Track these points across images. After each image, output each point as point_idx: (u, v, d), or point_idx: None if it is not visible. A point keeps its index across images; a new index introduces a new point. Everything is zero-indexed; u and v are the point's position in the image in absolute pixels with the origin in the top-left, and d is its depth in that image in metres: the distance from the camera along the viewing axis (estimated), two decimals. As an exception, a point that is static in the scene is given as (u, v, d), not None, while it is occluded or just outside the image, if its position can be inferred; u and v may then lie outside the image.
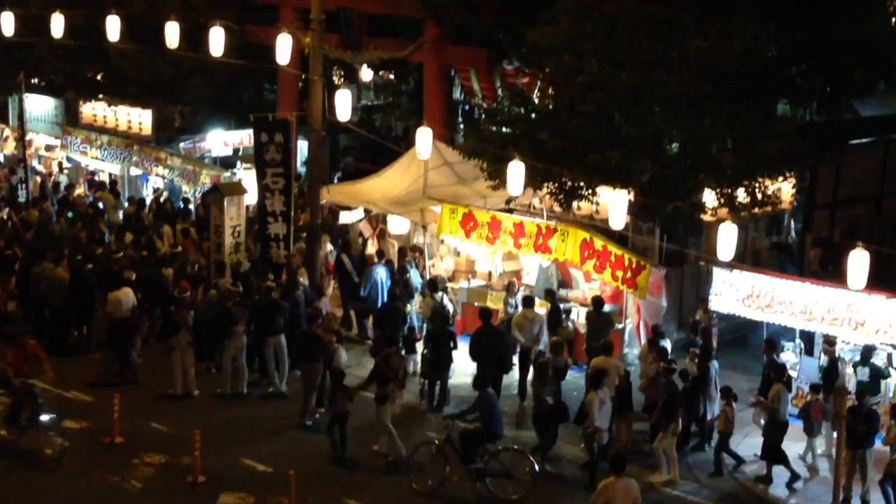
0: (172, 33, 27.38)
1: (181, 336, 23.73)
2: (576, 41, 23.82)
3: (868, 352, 21.38)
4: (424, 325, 25.84)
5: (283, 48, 25.96)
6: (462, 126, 35.83)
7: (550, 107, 25.36)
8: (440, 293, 25.73)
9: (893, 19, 28.72)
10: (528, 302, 24.64)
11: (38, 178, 38.05)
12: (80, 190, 37.28)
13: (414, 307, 26.69)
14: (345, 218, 31.33)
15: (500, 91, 32.37)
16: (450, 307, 25.95)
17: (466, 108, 36.59)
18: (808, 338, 23.57)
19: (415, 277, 27.16)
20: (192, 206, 33.70)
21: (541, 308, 25.11)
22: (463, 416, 20.00)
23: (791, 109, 29.30)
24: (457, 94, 35.98)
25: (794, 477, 20.29)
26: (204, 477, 19.72)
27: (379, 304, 26.38)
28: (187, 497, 19.34)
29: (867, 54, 26.27)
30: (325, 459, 20.75)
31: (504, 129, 25.77)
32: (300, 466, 19.36)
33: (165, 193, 36.02)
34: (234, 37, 29.97)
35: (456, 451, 19.65)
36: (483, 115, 27.66)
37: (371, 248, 29.24)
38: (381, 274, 26.87)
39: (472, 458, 19.57)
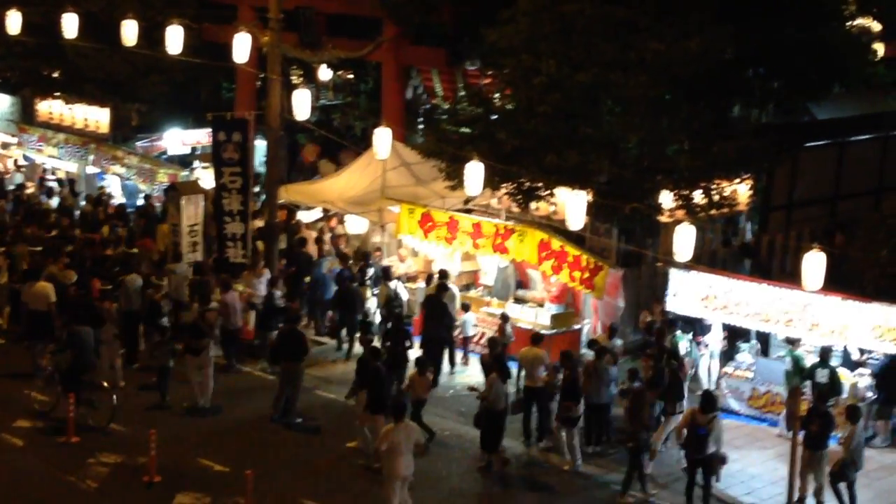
0: (130, 31, 27.21)
1: (107, 328, 23.77)
2: (534, 41, 23.87)
3: (826, 353, 21.54)
4: (377, 312, 26.37)
5: (241, 47, 25.88)
6: (422, 126, 35.83)
7: (509, 107, 25.39)
8: (394, 282, 26.22)
9: (849, 23, 28.90)
10: (443, 275, 25.77)
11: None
12: (31, 189, 37.06)
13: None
14: (303, 218, 31.30)
15: (461, 91, 32.39)
16: (404, 296, 26.36)
17: (427, 108, 36.63)
18: (763, 339, 23.75)
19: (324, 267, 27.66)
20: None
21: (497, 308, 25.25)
22: (60, 351, 22.34)
23: (747, 111, 29.46)
24: (411, 94, 36.00)
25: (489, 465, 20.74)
26: (160, 477, 19.61)
27: (326, 296, 27.12)
28: (143, 497, 19.22)
29: (823, 57, 26.44)
30: (284, 460, 20.72)
31: (463, 129, 25.80)
32: (257, 466, 19.28)
33: (108, 191, 35.81)
34: (192, 35, 29.82)
35: (59, 379, 22.09)
36: (445, 115, 27.66)
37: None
38: (325, 267, 27.36)
39: (69, 387, 21.65)
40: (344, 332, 26.58)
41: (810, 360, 21.98)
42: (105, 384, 22.21)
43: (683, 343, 23.19)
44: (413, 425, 18.62)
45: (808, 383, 21.36)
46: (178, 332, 23.90)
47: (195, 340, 22.89)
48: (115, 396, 21.69)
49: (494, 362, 21.83)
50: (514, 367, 22.50)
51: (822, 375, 21.39)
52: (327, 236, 30.22)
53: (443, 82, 33.92)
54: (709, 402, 19.33)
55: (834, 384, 21.33)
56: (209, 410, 22.87)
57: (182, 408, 22.90)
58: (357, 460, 20.71)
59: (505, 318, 24.80)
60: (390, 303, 25.72)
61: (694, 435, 19.04)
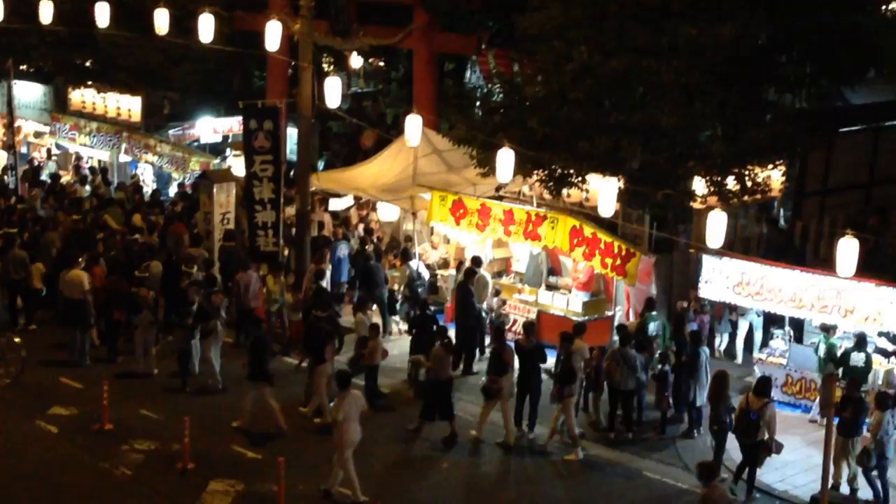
0: (162, 20, 27.29)
1: (143, 315, 24.04)
2: (566, 28, 23.77)
3: (862, 338, 21.44)
4: (402, 290, 26.88)
5: (273, 35, 25.90)
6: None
7: (540, 94, 25.29)
8: (414, 261, 26.80)
9: (883, 7, 28.70)
10: (476, 262, 25.80)
11: (34, 165, 38.10)
12: (67, 177, 37.24)
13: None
14: (334, 205, 31.36)
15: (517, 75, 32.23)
16: (425, 274, 27.05)
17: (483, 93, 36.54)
18: (797, 325, 23.65)
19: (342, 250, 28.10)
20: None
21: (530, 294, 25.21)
22: None
23: (781, 97, 29.30)
24: (473, 78, 35.95)
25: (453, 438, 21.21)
26: (193, 464, 19.73)
27: (341, 279, 27.73)
28: (177, 484, 19.31)
29: (857, 42, 26.26)
30: (316, 447, 20.74)
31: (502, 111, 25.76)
32: (290, 453, 19.33)
33: (143, 179, 35.95)
34: (224, 23, 29.87)
35: None
36: (501, 97, 27.56)
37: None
38: (342, 250, 27.81)
39: None
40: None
41: (845, 347, 21.93)
42: (16, 339, 24.28)
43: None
44: (358, 394, 19.05)
45: (840, 369, 21.32)
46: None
47: (204, 323, 23.35)
48: (23, 350, 23.50)
49: (439, 336, 22.31)
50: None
51: (856, 360, 21.34)
52: (362, 224, 30.31)
53: (500, 66, 33.64)
54: (763, 387, 19.38)
55: (868, 368, 21.26)
56: (219, 390, 23.44)
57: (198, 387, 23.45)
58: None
59: (502, 301, 25.67)
60: (412, 283, 26.30)
61: (746, 419, 19.12)
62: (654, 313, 23.39)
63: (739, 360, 24.79)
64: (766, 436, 19.12)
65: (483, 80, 35.37)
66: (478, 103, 27.22)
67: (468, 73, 37.60)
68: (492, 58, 33.80)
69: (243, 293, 25.59)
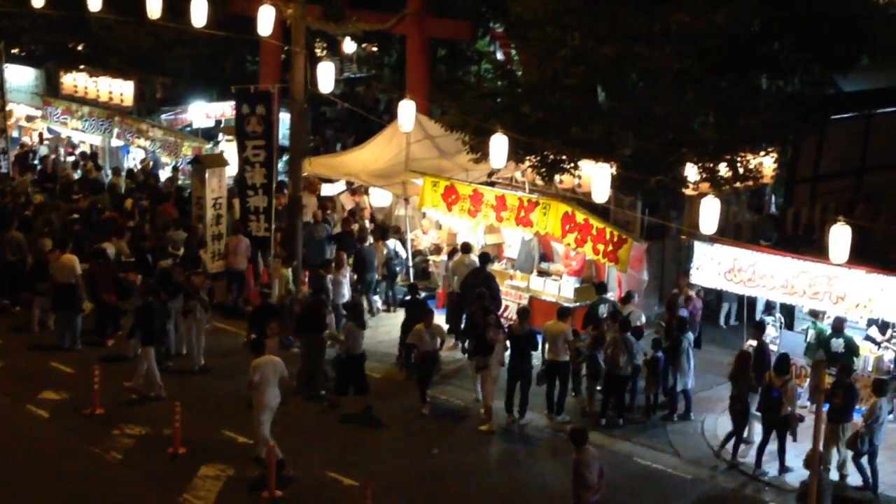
0: (154, 4, 27.16)
1: (132, 301, 24.16)
2: (559, 14, 23.78)
3: (840, 323, 21.51)
4: (380, 269, 27.29)
5: (266, 19, 25.79)
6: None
7: (533, 79, 25.30)
8: (392, 241, 27.20)
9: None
10: (466, 248, 25.92)
11: (25, 149, 38.07)
12: (62, 158, 37.20)
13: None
14: (326, 190, 31.36)
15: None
16: (402, 253, 27.48)
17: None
18: (788, 312, 23.66)
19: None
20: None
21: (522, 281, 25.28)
22: None
23: (773, 84, 29.32)
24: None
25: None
26: (184, 448, 19.70)
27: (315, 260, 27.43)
28: (168, 468, 19.30)
29: (850, 29, 26.27)
30: (307, 432, 20.78)
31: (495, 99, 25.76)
32: (281, 439, 19.33)
33: (151, 164, 36.00)
34: (217, 8, 29.78)
35: None
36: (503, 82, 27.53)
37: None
38: (317, 232, 28.03)
39: None
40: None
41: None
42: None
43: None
44: (277, 359, 19.28)
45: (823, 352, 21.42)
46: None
47: (184, 303, 23.59)
48: None
49: (351, 311, 22.43)
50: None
51: (836, 345, 21.40)
52: (352, 208, 30.34)
53: (520, 51, 33.47)
54: (783, 365, 19.77)
55: (851, 352, 21.33)
56: (201, 370, 23.59)
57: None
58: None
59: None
60: (390, 262, 26.94)
61: (768, 397, 19.63)
62: (604, 295, 23.50)
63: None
64: (791, 410, 19.63)
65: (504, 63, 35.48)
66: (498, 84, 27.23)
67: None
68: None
69: (231, 254, 26.63)
